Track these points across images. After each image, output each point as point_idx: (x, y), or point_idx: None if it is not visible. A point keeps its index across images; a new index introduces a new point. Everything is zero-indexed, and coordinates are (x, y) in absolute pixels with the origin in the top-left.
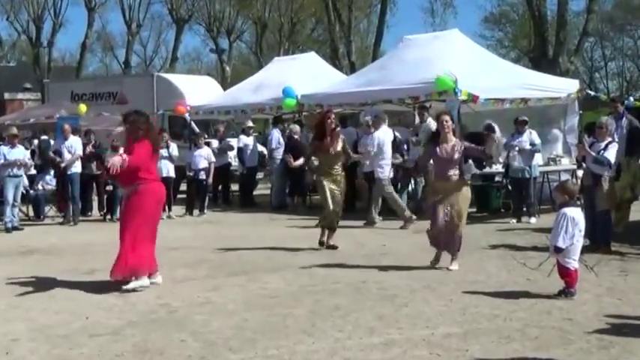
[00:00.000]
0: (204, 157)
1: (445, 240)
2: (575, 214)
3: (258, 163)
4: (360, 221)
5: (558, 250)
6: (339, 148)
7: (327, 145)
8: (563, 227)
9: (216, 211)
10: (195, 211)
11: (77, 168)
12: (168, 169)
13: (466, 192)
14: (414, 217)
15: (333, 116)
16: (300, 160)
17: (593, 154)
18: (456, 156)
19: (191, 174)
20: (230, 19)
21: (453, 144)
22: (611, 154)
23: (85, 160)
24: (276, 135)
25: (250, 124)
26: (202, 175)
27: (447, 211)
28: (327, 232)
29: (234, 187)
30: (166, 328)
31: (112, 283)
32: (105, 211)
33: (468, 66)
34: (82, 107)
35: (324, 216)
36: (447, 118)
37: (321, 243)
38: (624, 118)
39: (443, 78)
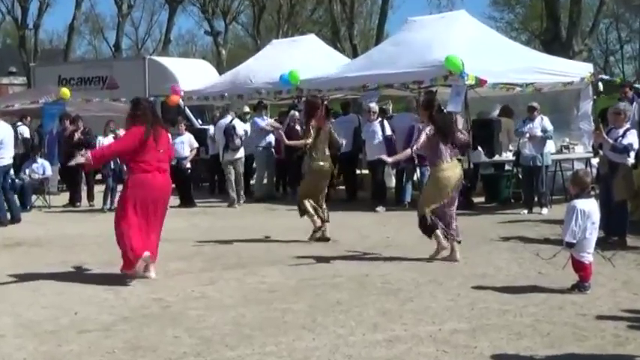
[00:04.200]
0: (186, 143)
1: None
2: (587, 206)
3: None
4: (362, 212)
5: (570, 246)
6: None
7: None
8: (572, 221)
9: (211, 202)
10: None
11: (4, 161)
12: None
13: (431, 176)
14: (237, 206)
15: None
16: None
17: (611, 141)
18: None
19: (173, 162)
20: None
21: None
22: (631, 140)
23: (74, 147)
24: (258, 121)
25: (247, 109)
26: (187, 164)
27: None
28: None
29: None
30: (160, 323)
31: (102, 277)
32: (93, 201)
33: (476, 48)
34: (65, 91)
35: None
36: (421, 109)
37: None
38: (634, 103)
39: (452, 57)
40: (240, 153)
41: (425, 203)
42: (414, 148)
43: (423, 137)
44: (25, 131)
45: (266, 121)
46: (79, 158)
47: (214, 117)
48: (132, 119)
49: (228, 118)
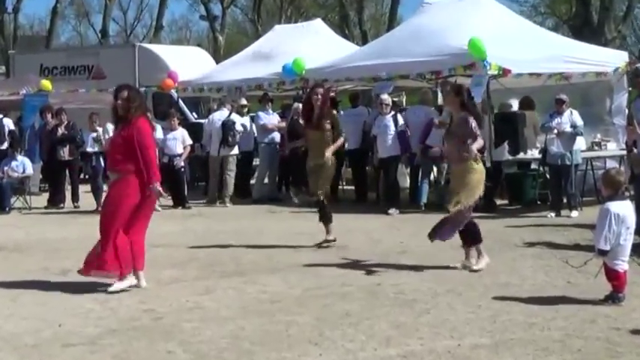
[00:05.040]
0: (179, 140)
1: (445, 227)
2: (621, 209)
3: (255, 148)
4: (372, 214)
5: (602, 253)
6: (327, 127)
7: (313, 124)
8: (605, 226)
9: (207, 203)
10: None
11: None
12: None
13: (466, 174)
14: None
15: (321, 90)
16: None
17: None
18: (459, 131)
19: (165, 160)
20: None
21: (459, 117)
22: None
23: (57, 143)
24: (262, 116)
25: (244, 102)
26: (179, 162)
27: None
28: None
29: None
30: (151, 337)
31: (88, 286)
32: (78, 202)
33: (499, 35)
34: (46, 83)
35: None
36: (451, 94)
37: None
38: None
39: (476, 40)
40: (236, 149)
41: (469, 200)
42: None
43: (474, 126)
44: (10, 123)
45: (270, 117)
46: (160, 192)
47: (210, 110)
48: (128, 108)
49: (224, 112)
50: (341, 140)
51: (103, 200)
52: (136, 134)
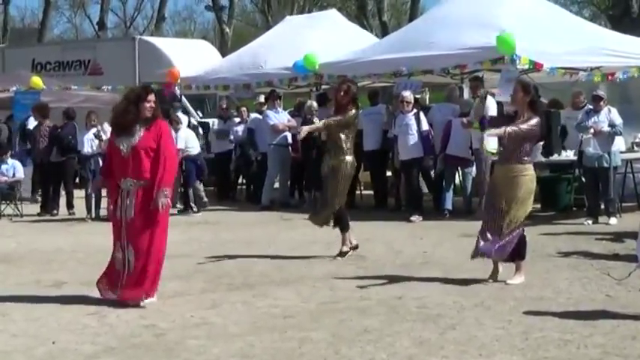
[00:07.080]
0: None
1: (499, 244)
2: None
3: None
4: (393, 222)
5: None
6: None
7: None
8: None
9: (214, 209)
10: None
11: None
12: None
13: (528, 180)
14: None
15: (345, 87)
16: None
17: None
18: (527, 132)
19: None
20: None
21: (526, 118)
22: None
23: (49, 144)
24: (271, 115)
25: (262, 99)
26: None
27: (501, 205)
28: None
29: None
30: (153, 355)
31: (84, 300)
32: (74, 209)
33: (530, 26)
34: (37, 80)
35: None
36: (519, 92)
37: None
38: None
39: (505, 36)
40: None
41: (523, 214)
42: (511, 129)
43: (526, 126)
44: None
45: (280, 116)
46: (164, 200)
47: (220, 108)
48: (155, 111)
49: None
50: (317, 125)
51: (119, 211)
52: (163, 137)
